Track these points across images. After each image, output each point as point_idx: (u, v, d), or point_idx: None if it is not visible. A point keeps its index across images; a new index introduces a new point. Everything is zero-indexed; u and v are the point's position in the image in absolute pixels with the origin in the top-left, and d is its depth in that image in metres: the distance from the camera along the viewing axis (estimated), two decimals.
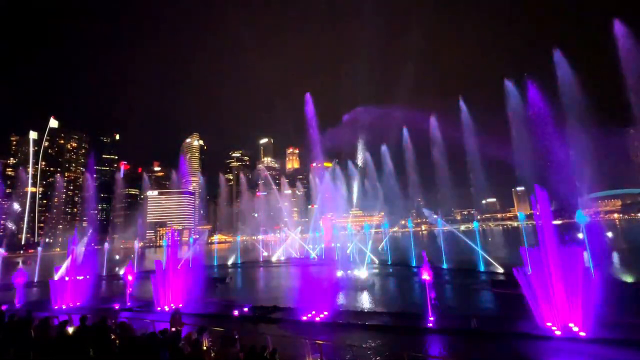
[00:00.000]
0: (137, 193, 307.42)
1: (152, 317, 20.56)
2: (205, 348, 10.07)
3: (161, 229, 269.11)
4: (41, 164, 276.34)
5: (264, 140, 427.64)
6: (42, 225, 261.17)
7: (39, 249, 66.11)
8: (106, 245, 71.38)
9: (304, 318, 20.29)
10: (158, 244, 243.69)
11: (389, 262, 49.82)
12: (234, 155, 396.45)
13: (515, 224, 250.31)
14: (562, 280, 15.25)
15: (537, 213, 17.02)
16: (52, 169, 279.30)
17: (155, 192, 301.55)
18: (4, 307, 19.91)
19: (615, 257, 38.42)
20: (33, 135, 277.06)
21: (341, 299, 27.47)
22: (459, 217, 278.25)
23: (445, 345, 16.07)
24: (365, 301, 27.45)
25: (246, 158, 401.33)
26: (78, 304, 28.72)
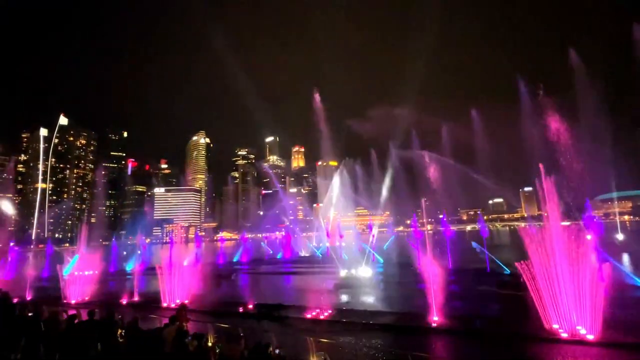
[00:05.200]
0: (144, 190, 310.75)
1: (158, 313, 20.83)
2: (210, 344, 10.17)
3: (168, 225, 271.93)
4: (51, 161, 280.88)
5: (269, 139, 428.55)
6: (51, 220, 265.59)
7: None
8: (114, 241, 72.36)
9: (309, 316, 20.37)
10: (165, 241, 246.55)
11: (394, 262, 49.64)
12: (239, 153, 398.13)
13: (522, 224, 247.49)
14: (569, 281, 15.06)
15: (545, 214, 16.83)
16: (61, 165, 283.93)
17: (162, 190, 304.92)
18: (15, 301, 20.32)
19: (626, 258, 37.75)
20: (43, 132, 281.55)
21: (345, 298, 27.49)
22: (465, 218, 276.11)
23: (449, 345, 16.00)
24: (369, 300, 27.42)
25: (252, 156, 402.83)
26: (86, 298, 29.24)
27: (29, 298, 29.61)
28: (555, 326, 15.14)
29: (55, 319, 9.71)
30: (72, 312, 12.56)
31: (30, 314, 10.66)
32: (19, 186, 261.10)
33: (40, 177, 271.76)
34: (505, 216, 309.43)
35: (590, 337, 14.19)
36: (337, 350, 13.66)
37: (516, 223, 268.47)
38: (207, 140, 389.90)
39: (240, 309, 22.84)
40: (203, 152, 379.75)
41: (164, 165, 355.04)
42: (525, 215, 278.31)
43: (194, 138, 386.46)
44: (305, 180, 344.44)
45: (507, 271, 33.56)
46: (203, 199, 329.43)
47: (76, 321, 9.92)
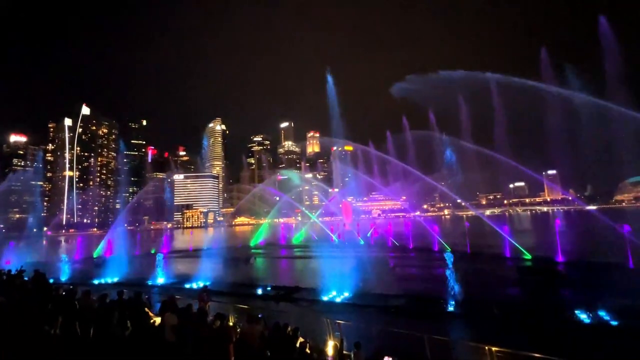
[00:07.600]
0: (165, 177, 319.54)
1: (181, 293, 21.79)
2: (231, 324, 10.59)
3: (187, 211, 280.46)
4: (76, 149, 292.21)
5: (284, 124, 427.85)
6: (79, 206, 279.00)
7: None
8: (137, 226, 75.46)
9: (325, 298, 20.80)
10: (185, 225, 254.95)
11: (410, 246, 49.53)
12: (255, 139, 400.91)
13: (544, 209, 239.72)
14: (594, 266, 14.62)
15: (569, 198, 16.21)
16: (86, 154, 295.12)
17: (181, 176, 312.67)
18: (51, 281, 21.74)
19: None
20: (68, 122, 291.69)
21: (361, 281, 27.78)
22: (484, 202, 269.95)
23: (466, 330, 15.99)
24: (385, 284, 27.59)
25: (267, 142, 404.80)
26: (115, 279, 30.92)
27: (62, 279, 31.59)
28: (578, 311, 14.83)
29: (88, 298, 10.33)
30: (102, 291, 13.32)
31: (64, 294, 11.39)
32: (49, 174, 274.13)
33: (67, 165, 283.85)
34: (527, 200, 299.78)
35: (614, 323, 13.84)
36: (353, 331, 13.92)
37: (538, 207, 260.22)
38: (223, 127, 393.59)
39: (259, 291, 23.57)
40: (219, 139, 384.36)
41: (182, 153, 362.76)
42: (548, 200, 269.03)
43: (210, 125, 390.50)
44: (321, 165, 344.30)
45: (529, 256, 32.91)
46: (221, 185, 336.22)
47: (107, 300, 10.51)
